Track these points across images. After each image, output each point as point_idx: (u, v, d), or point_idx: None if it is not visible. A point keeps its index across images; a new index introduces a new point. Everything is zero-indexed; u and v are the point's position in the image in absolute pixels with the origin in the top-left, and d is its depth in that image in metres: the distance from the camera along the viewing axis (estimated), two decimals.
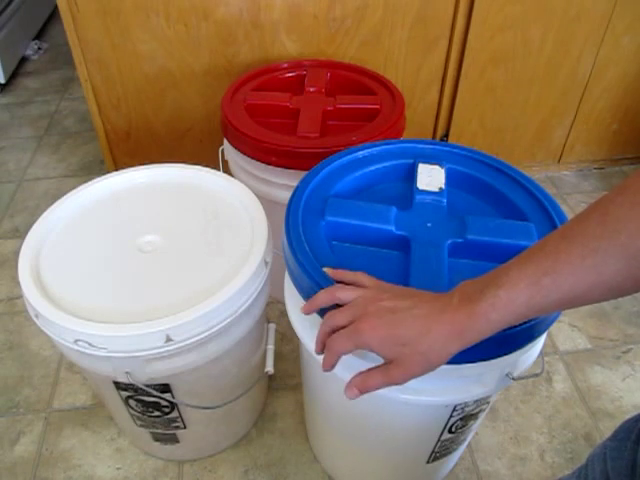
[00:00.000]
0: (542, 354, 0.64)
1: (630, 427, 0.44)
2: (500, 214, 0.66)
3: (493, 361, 0.54)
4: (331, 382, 0.68)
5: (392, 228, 0.60)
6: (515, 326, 0.51)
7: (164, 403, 0.75)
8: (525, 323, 0.51)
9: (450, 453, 0.78)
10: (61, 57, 2.13)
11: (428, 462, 0.77)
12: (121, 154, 1.35)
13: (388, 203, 0.63)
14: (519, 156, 1.49)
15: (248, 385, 0.84)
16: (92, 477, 0.90)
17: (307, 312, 0.53)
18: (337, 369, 0.59)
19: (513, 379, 0.58)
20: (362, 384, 0.47)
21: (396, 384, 0.45)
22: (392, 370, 0.44)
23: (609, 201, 0.36)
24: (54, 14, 2.37)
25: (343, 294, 0.50)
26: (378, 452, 0.77)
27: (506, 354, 0.54)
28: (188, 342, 0.64)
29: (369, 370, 0.47)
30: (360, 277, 0.52)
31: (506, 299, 0.39)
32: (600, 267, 0.35)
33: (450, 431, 0.69)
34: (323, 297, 0.51)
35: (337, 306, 0.50)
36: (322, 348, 0.49)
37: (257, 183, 0.94)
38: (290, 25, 1.17)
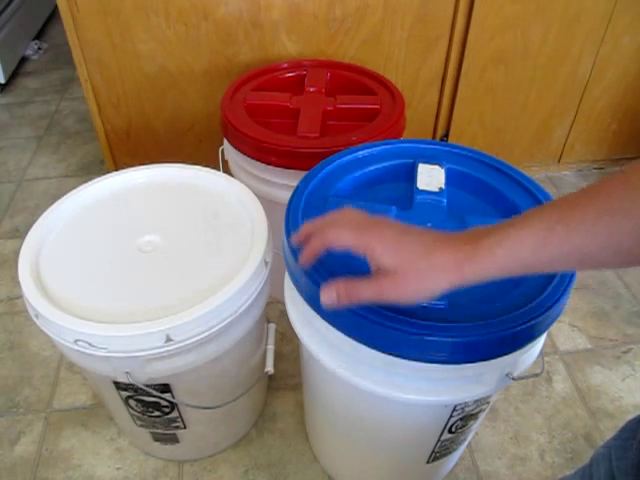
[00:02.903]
0: (542, 354, 0.64)
1: (634, 426, 0.44)
2: (500, 214, 0.66)
3: (493, 361, 0.54)
4: (331, 382, 0.68)
5: None
6: (517, 325, 0.51)
7: (164, 403, 0.75)
8: (525, 322, 0.51)
9: (450, 453, 0.78)
10: (61, 57, 2.13)
11: (428, 462, 0.77)
12: (121, 154, 1.35)
13: (388, 203, 0.63)
14: (519, 156, 1.49)
15: (248, 385, 0.84)
16: (92, 477, 0.90)
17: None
18: (337, 368, 0.59)
19: (513, 379, 0.58)
20: (345, 291, 0.44)
21: (382, 300, 0.43)
22: (384, 281, 0.42)
23: (634, 169, 0.35)
24: (54, 14, 2.37)
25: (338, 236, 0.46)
26: (378, 452, 0.77)
27: (506, 354, 0.54)
28: (188, 342, 0.64)
29: (357, 280, 0.44)
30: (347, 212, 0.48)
31: (515, 238, 0.38)
32: (613, 228, 0.35)
33: (450, 431, 0.69)
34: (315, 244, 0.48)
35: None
36: (303, 239, 0.47)
37: (257, 183, 0.94)
38: (290, 25, 1.17)
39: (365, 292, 0.43)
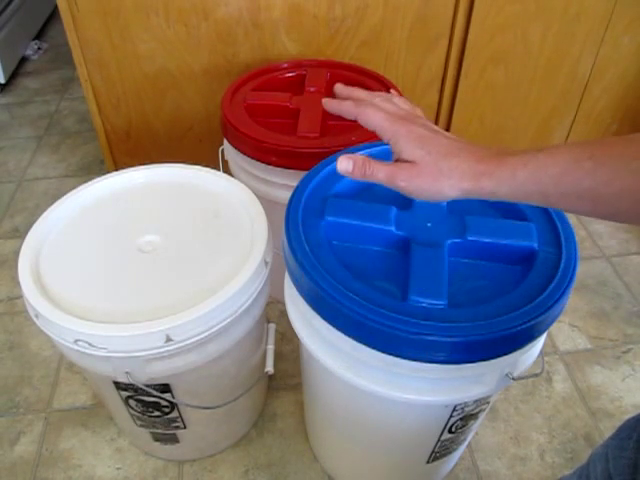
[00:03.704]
0: (542, 354, 0.64)
1: (632, 426, 0.44)
2: (500, 214, 0.66)
3: (493, 361, 0.54)
4: (331, 382, 0.68)
5: (392, 228, 0.60)
6: (517, 325, 0.51)
7: (164, 403, 0.75)
8: (525, 322, 0.51)
9: (450, 453, 0.78)
10: (61, 57, 2.13)
11: (428, 462, 0.77)
12: (121, 154, 1.34)
13: (388, 203, 0.63)
14: None
15: (248, 385, 0.84)
16: (92, 477, 0.90)
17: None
18: (337, 368, 0.59)
19: (513, 379, 0.58)
20: (362, 164, 0.44)
21: (393, 185, 0.43)
22: (401, 168, 0.43)
23: None
24: (54, 14, 2.37)
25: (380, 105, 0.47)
26: (378, 452, 0.77)
27: (506, 354, 0.54)
28: (188, 342, 0.64)
29: (376, 159, 0.44)
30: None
31: (540, 163, 0.38)
32: None
33: (450, 431, 0.69)
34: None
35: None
36: (343, 96, 0.48)
37: (257, 183, 0.94)
38: (290, 25, 1.17)
39: (380, 172, 0.44)
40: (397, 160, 0.45)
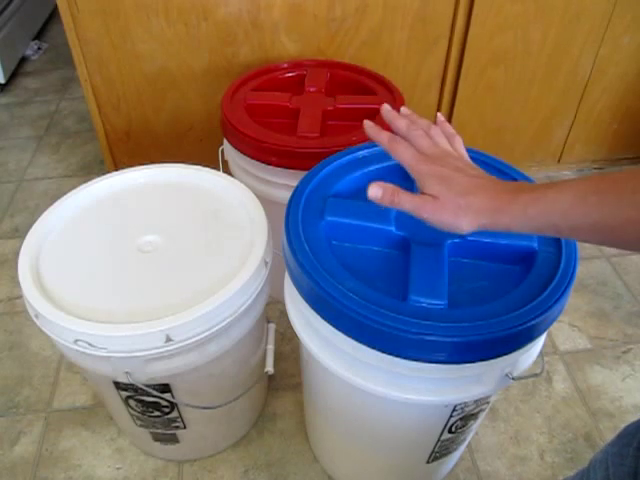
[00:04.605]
0: (542, 354, 0.64)
1: (632, 433, 0.44)
2: None
3: (493, 361, 0.54)
4: (331, 382, 0.68)
5: (392, 228, 0.60)
6: (517, 325, 0.51)
7: (164, 403, 0.75)
8: (525, 322, 0.51)
9: (450, 453, 0.78)
10: (61, 57, 2.13)
11: (428, 462, 0.77)
12: (121, 154, 1.35)
13: None
14: (519, 156, 1.49)
15: (248, 385, 0.84)
16: (92, 477, 0.90)
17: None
18: (338, 368, 0.59)
19: (513, 379, 0.58)
20: (391, 193, 0.48)
21: (418, 215, 0.47)
22: (426, 201, 0.46)
23: None
24: (54, 14, 2.37)
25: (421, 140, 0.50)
26: (378, 452, 0.77)
27: (506, 354, 0.54)
28: (188, 342, 0.64)
29: (404, 190, 0.48)
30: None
31: (550, 200, 0.40)
32: None
33: (450, 431, 0.69)
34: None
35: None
36: (385, 135, 0.51)
37: (257, 183, 0.94)
38: (290, 25, 1.17)
39: (407, 202, 0.47)
40: (422, 193, 0.48)
